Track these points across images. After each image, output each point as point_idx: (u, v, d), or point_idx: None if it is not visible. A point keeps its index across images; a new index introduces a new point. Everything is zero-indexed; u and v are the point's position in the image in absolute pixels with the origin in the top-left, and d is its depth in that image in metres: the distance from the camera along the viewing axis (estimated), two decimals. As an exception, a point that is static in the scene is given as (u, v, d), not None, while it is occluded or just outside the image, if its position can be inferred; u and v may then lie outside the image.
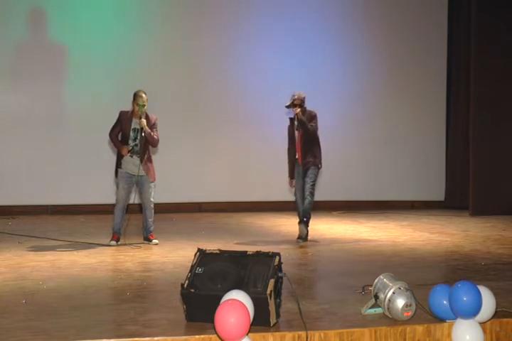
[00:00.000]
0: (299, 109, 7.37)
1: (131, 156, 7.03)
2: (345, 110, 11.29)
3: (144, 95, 7.00)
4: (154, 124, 7.12)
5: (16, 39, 10.06)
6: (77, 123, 10.12)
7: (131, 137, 7.04)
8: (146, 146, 7.09)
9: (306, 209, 7.39)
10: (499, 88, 10.53)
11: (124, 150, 7.01)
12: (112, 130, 7.14)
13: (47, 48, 10.17)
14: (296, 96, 7.41)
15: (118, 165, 7.09)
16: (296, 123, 7.45)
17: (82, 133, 10.07)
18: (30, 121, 10.03)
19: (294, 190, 7.61)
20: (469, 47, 10.83)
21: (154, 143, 7.16)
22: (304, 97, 7.46)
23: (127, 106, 7.18)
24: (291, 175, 7.54)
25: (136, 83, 9.74)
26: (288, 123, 7.60)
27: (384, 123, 11.58)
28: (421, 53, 11.73)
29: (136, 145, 7.03)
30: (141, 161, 7.00)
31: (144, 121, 6.97)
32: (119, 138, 7.11)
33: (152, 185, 7.12)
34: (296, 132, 7.46)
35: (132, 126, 7.04)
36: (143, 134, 6.98)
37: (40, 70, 10.08)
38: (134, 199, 7.24)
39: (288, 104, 7.47)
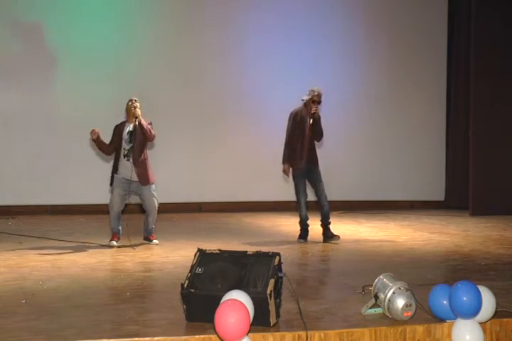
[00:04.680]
0: (316, 107, 7.09)
1: (128, 160, 6.98)
2: (345, 110, 11.28)
3: (136, 105, 6.97)
4: (150, 124, 7.05)
5: (12, 41, 10.03)
6: (76, 124, 10.09)
7: (126, 140, 6.99)
8: (142, 148, 7.00)
9: (328, 213, 7.33)
10: (499, 87, 10.52)
11: (94, 132, 6.86)
12: (109, 144, 7.08)
13: (44, 51, 10.12)
14: (316, 92, 7.09)
15: (114, 170, 7.03)
16: (310, 120, 7.16)
17: (82, 133, 9.98)
18: (30, 122, 10.02)
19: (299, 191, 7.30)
20: (469, 46, 10.82)
21: (151, 137, 7.01)
22: (322, 95, 7.15)
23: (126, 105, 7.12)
24: (290, 161, 7.23)
25: (134, 83, 9.80)
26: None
27: (383, 123, 11.57)
28: (421, 53, 11.73)
29: (132, 147, 6.98)
30: (135, 163, 6.90)
31: (138, 110, 6.92)
32: (115, 144, 7.03)
33: (153, 191, 7.02)
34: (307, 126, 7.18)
35: (127, 130, 7.01)
36: (136, 123, 6.89)
37: (39, 71, 10.07)
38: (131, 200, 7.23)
39: (307, 98, 7.14)
